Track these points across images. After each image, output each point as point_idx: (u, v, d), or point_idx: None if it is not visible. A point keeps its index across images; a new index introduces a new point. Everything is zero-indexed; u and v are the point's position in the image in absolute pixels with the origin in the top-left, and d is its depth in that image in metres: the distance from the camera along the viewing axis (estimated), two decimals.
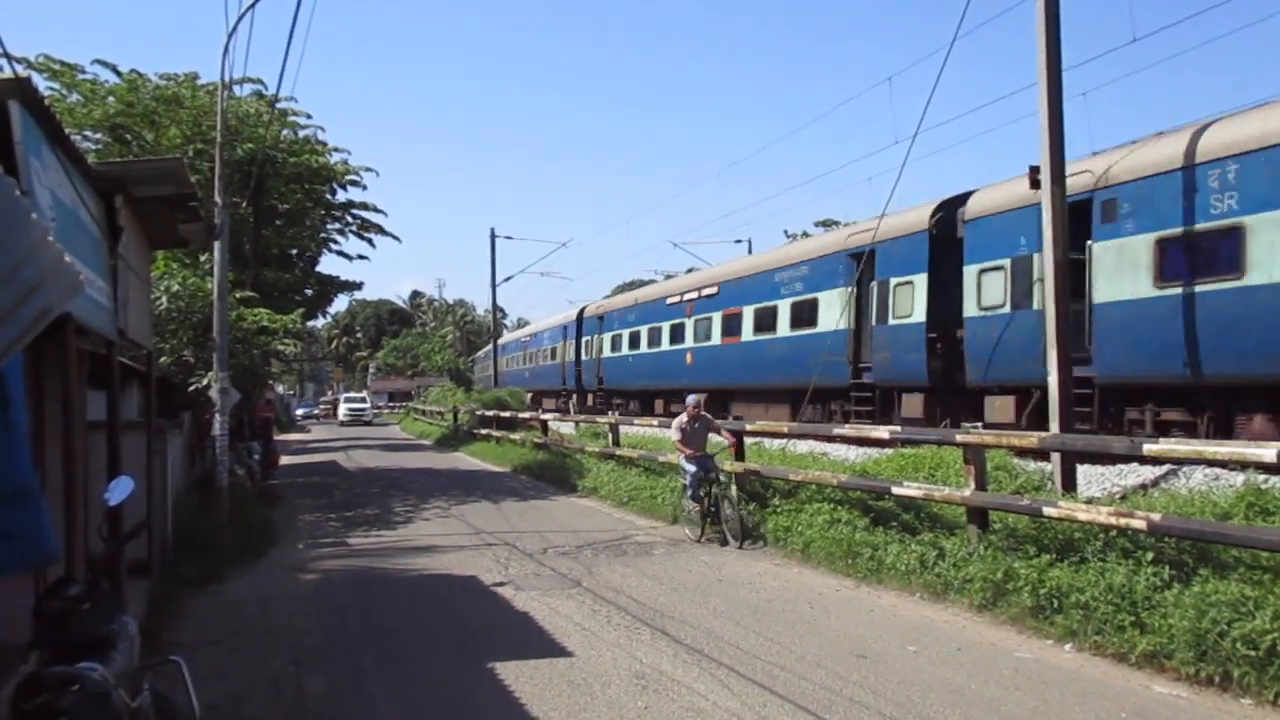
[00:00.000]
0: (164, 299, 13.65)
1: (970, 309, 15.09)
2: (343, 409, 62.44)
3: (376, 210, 26.99)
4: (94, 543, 5.09)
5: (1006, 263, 14.21)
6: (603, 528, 12.65)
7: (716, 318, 24.02)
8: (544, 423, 24.19)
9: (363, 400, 65.59)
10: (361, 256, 49.04)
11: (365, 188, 25.93)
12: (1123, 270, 12.28)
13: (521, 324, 76.97)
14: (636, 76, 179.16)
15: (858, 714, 5.35)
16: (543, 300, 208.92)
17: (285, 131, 23.42)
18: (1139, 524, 6.72)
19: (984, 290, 14.72)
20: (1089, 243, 12.62)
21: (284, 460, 23.30)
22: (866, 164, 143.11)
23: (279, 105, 21.47)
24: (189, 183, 7.36)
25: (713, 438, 11.72)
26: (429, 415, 48.23)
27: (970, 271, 15.11)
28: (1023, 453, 11.60)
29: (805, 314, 19.70)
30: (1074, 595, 6.76)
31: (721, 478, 11.36)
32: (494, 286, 49.10)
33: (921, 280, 16.24)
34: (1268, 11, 55.78)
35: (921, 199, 17.57)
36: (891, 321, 16.90)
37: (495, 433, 27.95)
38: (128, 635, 3.60)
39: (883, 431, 10.74)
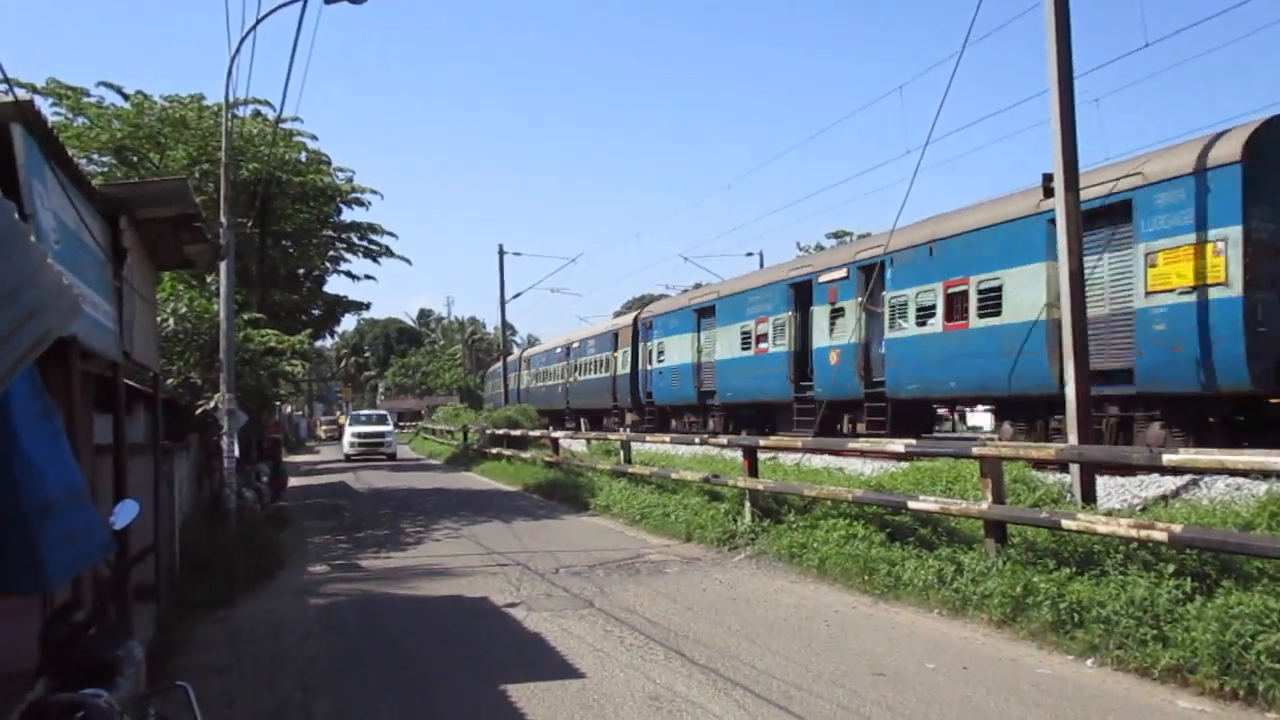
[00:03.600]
0: (170, 321, 13.65)
1: None
2: (349, 435, 40.41)
3: (387, 233, 26.84)
4: (100, 567, 5.03)
5: None
6: (615, 546, 12.55)
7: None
8: (555, 441, 24.20)
9: (382, 421, 42.98)
10: (369, 277, 47.42)
11: (368, 206, 25.82)
12: None
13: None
14: (645, 90, 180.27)
15: None
16: (553, 317, 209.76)
17: (290, 152, 23.45)
18: (1160, 536, 6.61)
19: None
20: None
21: (292, 481, 23.26)
22: (878, 174, 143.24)
23: (284, 125, 21.54)
24: (194, 203, 7.33)
25: None
26: (439, 434, 48.17)
27: None
28: (1040, 464, 11.43)
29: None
30: (1095, 609, 6.65)
31: None
32: (503, 303, 49.28)
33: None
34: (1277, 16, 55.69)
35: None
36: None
37: (506, 451, 27.89)
38: (134, 660, 3.56)
39: (898, 445, 10.65)
